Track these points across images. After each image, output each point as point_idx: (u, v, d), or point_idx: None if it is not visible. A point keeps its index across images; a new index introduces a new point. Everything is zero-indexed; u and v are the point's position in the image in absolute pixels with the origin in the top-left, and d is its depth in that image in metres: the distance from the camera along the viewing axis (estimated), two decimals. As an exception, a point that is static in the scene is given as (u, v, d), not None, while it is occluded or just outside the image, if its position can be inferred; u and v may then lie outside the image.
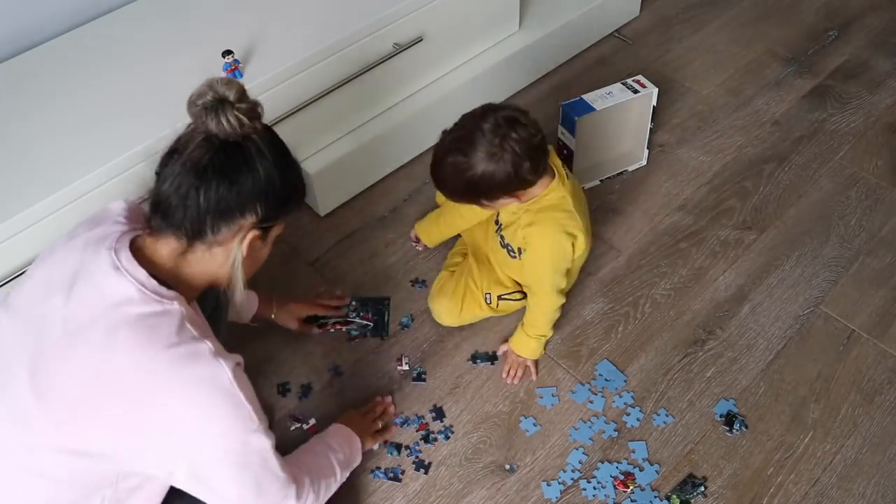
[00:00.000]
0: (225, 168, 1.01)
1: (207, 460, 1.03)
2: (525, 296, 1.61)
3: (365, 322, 1.69)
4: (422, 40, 1.83)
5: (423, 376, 1.61)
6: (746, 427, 1.52)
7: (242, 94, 1.02)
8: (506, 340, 1.63)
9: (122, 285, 1.00)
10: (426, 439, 1.51)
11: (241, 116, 1.00)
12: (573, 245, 1.45)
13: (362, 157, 1.87)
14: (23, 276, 1.10)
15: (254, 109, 1.02)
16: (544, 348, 1.61)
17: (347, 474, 1.36)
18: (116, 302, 0.99)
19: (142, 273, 1.01)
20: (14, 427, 1.02)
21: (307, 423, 1.53)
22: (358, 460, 1.41)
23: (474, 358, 1.62)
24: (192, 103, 1.01)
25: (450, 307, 1.62)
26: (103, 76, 1.61)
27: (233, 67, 1.56)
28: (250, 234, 1.06)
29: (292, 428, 1.53)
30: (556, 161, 1.46)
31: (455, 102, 2.00)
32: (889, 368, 1.59)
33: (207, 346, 1.01)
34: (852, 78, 2.20)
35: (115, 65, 1.63)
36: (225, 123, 0.99)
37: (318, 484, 1.23)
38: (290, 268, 1.79)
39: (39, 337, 1.01)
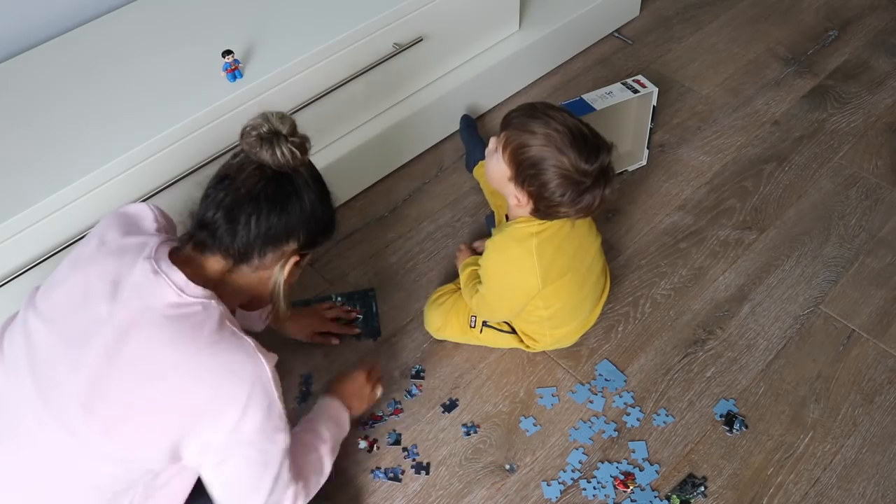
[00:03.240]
0: (277, 197, 1.08)
1: (236, 454, 1.06)
2: (513, 332, 1.59)
3: (354, 316, 1.69)
4: (422, 40, 1.83)
5: (421, 374, 1.61)
6: (746, 427, 1.52)
7: (294, 128, 1.09)
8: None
9: (161, 287, 1.03)
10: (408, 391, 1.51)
11: (294, 150, 1.07)
12: (525, 287, 1.42)
13: (362, 157, 1.87)
14: (52, 281, 1.10)
15: (304, 144, 1.09)
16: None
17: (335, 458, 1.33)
18: (157, 304, 1.02)
19: (180, 276, 1.04)
20: (58, 437, 1.02)
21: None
22: (345, 434, 1.37)
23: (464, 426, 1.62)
24: (246, 133, 1.07)
25: (433, 318, 1.61)
26: (103, 76, 1.61)
27: (233, 67, 1.56)
28: (292, 260, 1.13)
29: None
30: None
31: (455, 102, 2.01)
32: (889, 368, 1.59)
33: (249, 342, 1.06)
34: (852, 78, 2.20)
35: (114, 65, 1.63)
36: (279, 155, 1.06)
37: (309, 481, 1.23)
38: (290, 268, 1.79)
39: (85, 348, 1.02)
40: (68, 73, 1.62)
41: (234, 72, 1.56)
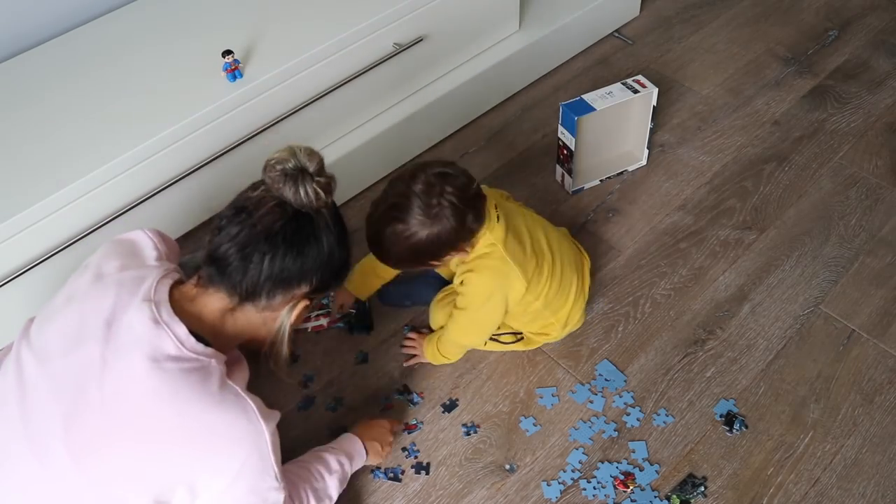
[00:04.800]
0: (295, 238, 1.02)
1: None
2: (518, 339, 1.59)
3: (347, 310, 1.69)
4: (422, 40, 1.83)
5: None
6: (746, 427, 1.52)
7: (322, 166, 1.03)
8: (427, 329, 1.65)
9: (161, 341, 0.99)
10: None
11: (319, 190, 1.02)
12: (513, 290, 1.42)
13: (363, 157, 1.87)
14: (47, 313, 1.07)
15: (329, 184, 1.04)
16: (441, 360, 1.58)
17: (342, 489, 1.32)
18: (156, 357, 0.98)
19: (182, 330, 1.00)
20: (46, 484, 1.00)
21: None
22: (356, 468, 1.37)
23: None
24: (270, 167, 1.02)
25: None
26: (103, 76, 1.61)
27: (233, 67, 1.56)
28: (301, 304, 1.08)
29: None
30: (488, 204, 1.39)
31: (455, 102, 2.01)
32: (889, 368, 1.59)
33: (251, 406, 1.03)
34: (852, 78, 2.20)
35: (115, 65, 1.63)
36: (303, 194, 1.01)
37: None
38: (290, 268, 1.79)
39: (76, 392, 0.99)
40: (68, 73, 1.62)
41: (234, 72, 1.56)
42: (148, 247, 1.12)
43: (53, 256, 1.43)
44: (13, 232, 1.37)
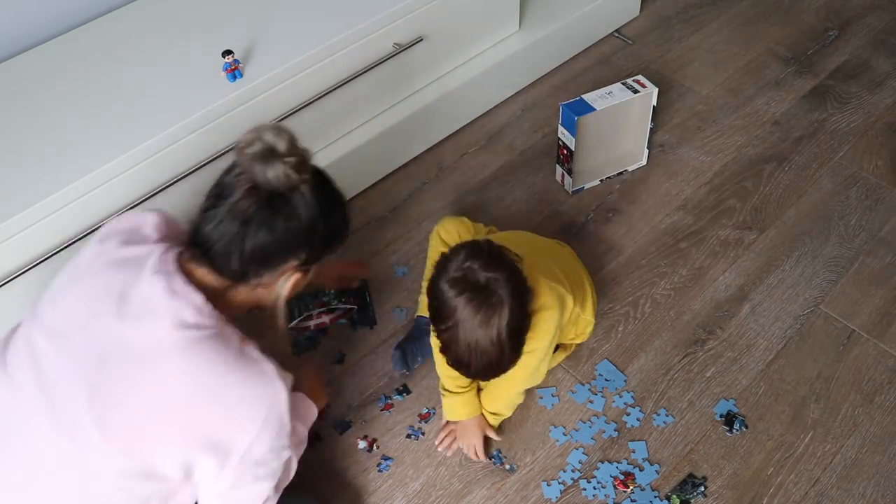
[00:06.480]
0: (270, 220, 1.02)
1: (247, 475, 1.07)
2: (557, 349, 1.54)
3: (349, 306, 1.70)
4: (422, 40, 1.82)
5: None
6: (746, 427, 1.52)
7: (292, 144, 1.00)
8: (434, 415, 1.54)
9: (181, 310, 1.00)
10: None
11: (290, 171, 0.99)
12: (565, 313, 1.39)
13: (362, 157, 1.87)
14: (53, 293, 1.08)
15: (303, 161, 1.01)
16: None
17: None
18: (178, 326, 1.00)
19: (199, 298, 1.02)
20: (75, 459, 1.01)
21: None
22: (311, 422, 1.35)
23: None
24: (239, 150, 1.00)
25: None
26: (103, 76, 1.61)
27: (233, 67, 1.56)
28: (294, 276, 1.09)
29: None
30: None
31: (455, 102, 2.01)
32: (889, 368, 1.59)
33: (270, 366, 1.05)
34: (852, 78, 2.20)
35: (114, 65, 1.63)
36: (272, 176, 0.99)
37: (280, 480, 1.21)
38: (290, 268, 1.79)
39: (97, 363, 1.00)
40: (68, 74, 1.62)
41: (234, 72, 1.56)
42: (149, 225, 1.12)
43: (53, 256, 1.43)
44: (13, 232, 1.37)
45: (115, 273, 1.04)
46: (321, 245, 1.09)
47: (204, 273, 1.06)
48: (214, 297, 1.06)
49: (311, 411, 1.35)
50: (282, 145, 0.99)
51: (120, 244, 1.08)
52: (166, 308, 1.00)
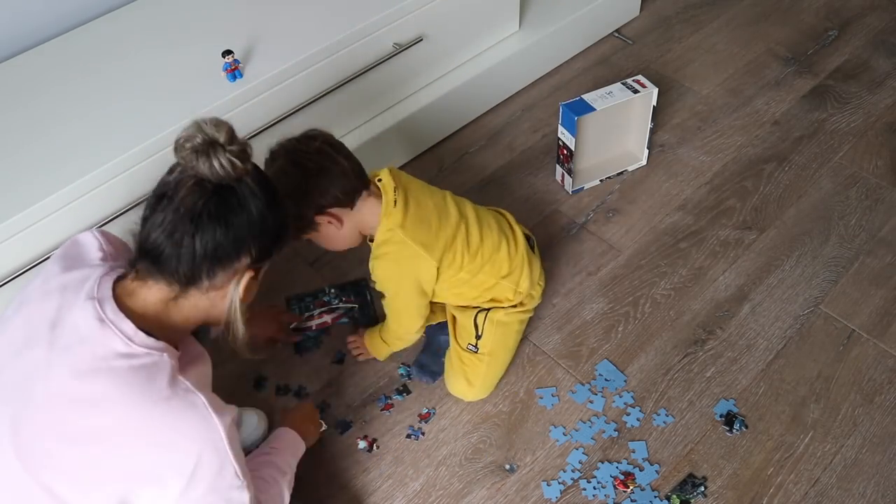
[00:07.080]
0: (220, 212, 0.99)
1: None
2: (515, 307, 1.55)
3: (350, 305, 1.70)
4: (422, 40, 1.83)
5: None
6: (746, 427, 1.52)
7: (232, 135, 0.99)
8: (363, 328, 1.65)
9: (109, 339, 0.97)
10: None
11: (234, 159, 0.97)
12: (421, 271, 1.40)
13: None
14: (2, 319, 1.06)
15: (244, 151, 1.00)
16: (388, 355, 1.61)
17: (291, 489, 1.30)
18: (105, 356, 0.96)
19: (129, 326, 0.98)
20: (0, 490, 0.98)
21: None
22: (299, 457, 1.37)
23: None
24: (180, 146, 0.97)
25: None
26: (103, 76, 1.61)
27: (233, 67, 1.56)
28: (247, 276, 1.05)
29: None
30: (385, 183, 1.39)
31: (455, 102, 2.01)
32: (889, 368, 1.59)
33: (202, 400, 1.00)
34: (852, 78, 2.20)
35: (114, 65, 1.63)
36: (217, 167, 0.97)
37: None
38: (290, 268, 1.79)
39: (23, 396, 0.97)
40: (68, 73, 1.62)
41: (234, 72, 1.56)
42: (93, 247, 1.09)
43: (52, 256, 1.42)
44: (14, 231, 1.37)
45: (53, 300, 1.01)
46: (270, 241, 1.06)
47: (150, 288, 1.02)
48: (163, 315, 1.03)
49: (299, 447, 1.34)
50: (222, 136, 0.97)
51: (62, 270, 1.05)
52: (94, 337, 0.97)
